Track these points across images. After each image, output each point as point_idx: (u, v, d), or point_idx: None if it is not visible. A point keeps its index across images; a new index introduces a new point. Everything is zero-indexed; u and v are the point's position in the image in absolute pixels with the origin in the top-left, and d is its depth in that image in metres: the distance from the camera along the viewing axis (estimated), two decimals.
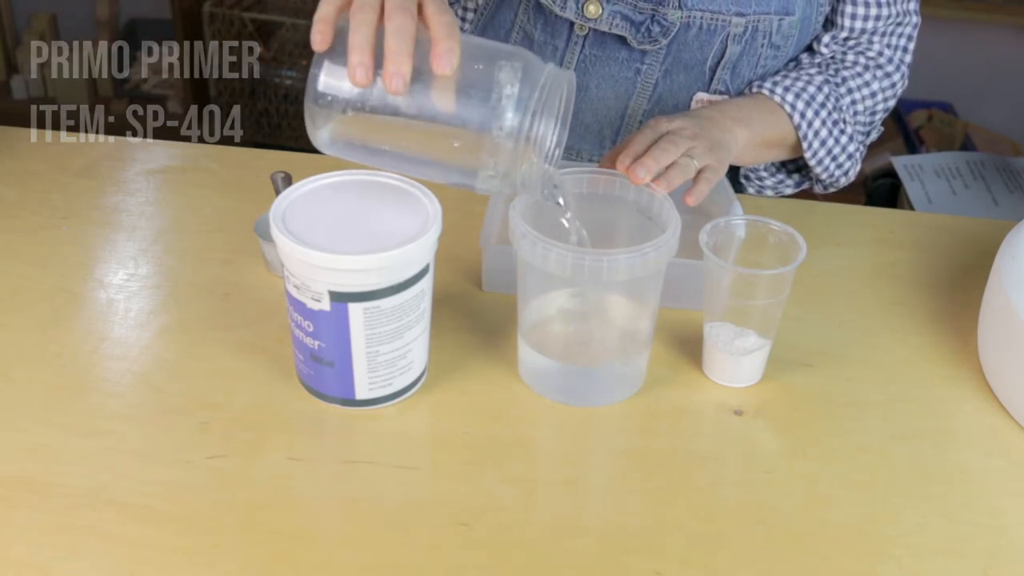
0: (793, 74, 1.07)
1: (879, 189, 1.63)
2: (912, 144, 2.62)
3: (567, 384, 0.88)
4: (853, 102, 1.10)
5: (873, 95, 1.11)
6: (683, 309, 0.95)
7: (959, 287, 1.03)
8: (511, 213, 0.82)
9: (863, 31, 1.11)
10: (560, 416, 0.86)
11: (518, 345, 0.89)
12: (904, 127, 2.66)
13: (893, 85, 1.13)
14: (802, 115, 1.04)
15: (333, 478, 0.80)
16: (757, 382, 0.90)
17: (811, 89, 1.05)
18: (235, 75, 2.68)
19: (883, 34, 1.12)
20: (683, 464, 0.82)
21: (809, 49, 1.15)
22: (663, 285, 0.85)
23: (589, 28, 1.08)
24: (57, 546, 0.73)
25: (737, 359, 0.88)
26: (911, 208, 1.46)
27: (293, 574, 0.72)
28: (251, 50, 2.65)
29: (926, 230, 1.12)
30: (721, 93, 1.11)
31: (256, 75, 2.68)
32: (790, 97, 1.04)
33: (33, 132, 1.20)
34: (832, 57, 1.12)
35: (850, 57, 1.12)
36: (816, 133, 1.05)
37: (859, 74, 1.11)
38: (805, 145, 1.07)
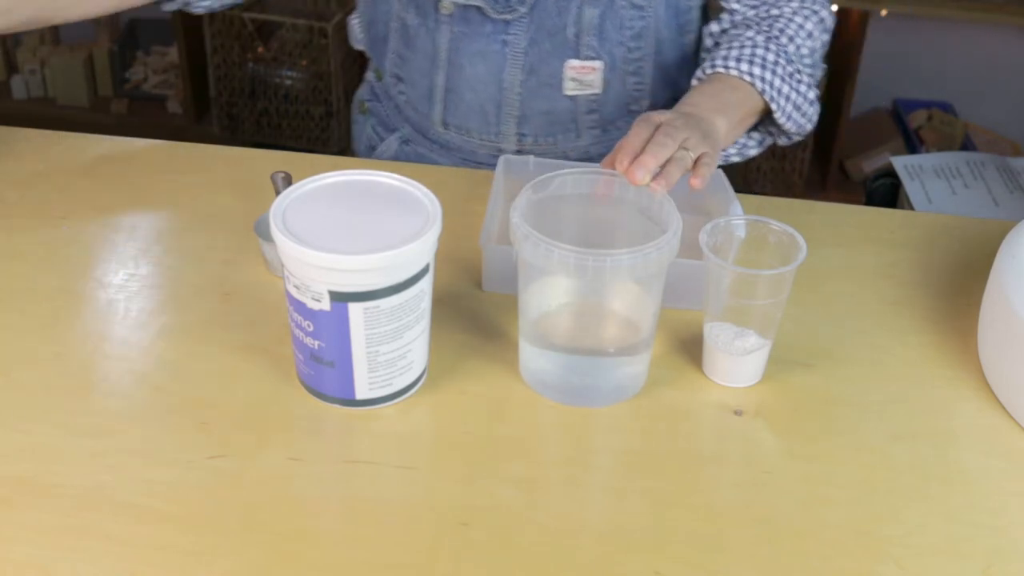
0: (736, 44, 1.07)
1: (879, 189, 1.63)
2: (912, 144, 2.62)
3: (568, 383, 0.88)
4: (798, 48, 1.10)
5: (810, 35, 1.11)
6: (683, 309, 0.95)
7: (959, 287, 1.03)
8: (512, 213, 0.82)
9: None
10: (560, 416, 0.86)
11: (518, 345, 0.89)
12: (904, 127, 2.66)
13: (822, 21, 1.13)
14: (763, 79, 1.05)
15: (333, 478, 0.80)
16: (757, 382, 0.90)
17: (760, 52, 1.06)
18: (235, 75, 2.69)
19: None
20: (683, 464, 0.82)
21: (724, 12, 1.15)
22: (664, 285, 0.85)
23: (453, 5, 1.11)
24: (57, 546, 0.73)
25: (737, 359, 0.88)
26: (911, 208, 1.46)
27: (293, 574, 0.72)
28: (251, 50, 2.66)
29: (926, 230, 1.12)
30: (591, 59, 1.12)
31: (256, 75, 2.68)
32: (745, 67, 1.04)
33: (33, 132, 1.20)
34: (757, 14, 1.12)
35: (774, 11, 1.12)
36: (780, 91, 1.06)
37: (790, 20, 1.11)
38: (775, 107, 1.07)
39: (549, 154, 1.20)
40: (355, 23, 1.29)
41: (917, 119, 2.66)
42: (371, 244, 0.77)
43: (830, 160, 2.65)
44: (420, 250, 0.79)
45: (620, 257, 0.78)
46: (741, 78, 1.05)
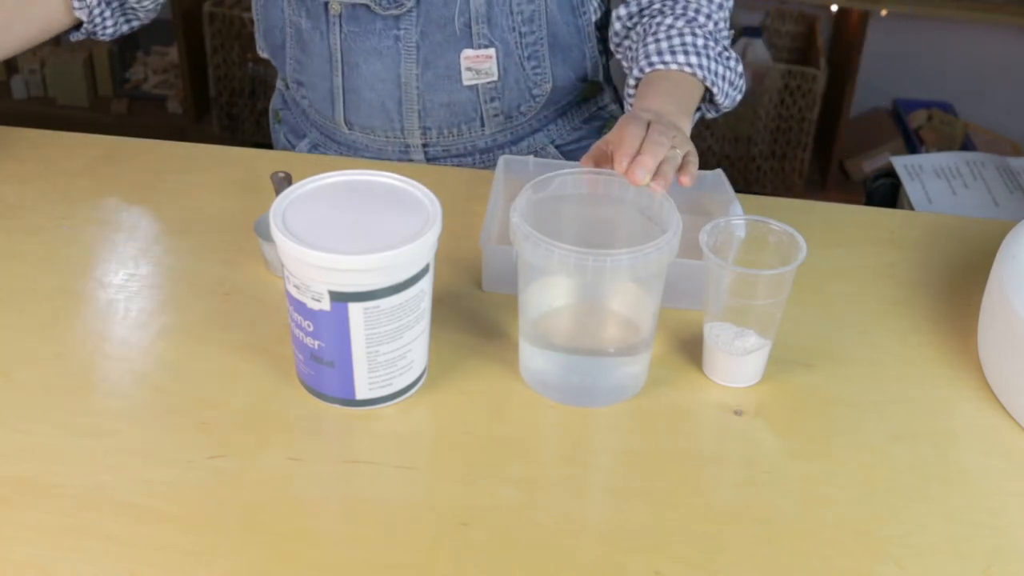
0: (662, 34, 1.07)
1: (879, 189, 1.63)
2: (912, 144, 2.62)
3: (568, 383, 0.88)
4: (716, 24, 1.10)
5: (720, 7, 1.12)
6: (683, 309, 0.95)
7: (959, 287, 1.03)
8: (512, 213, 0.82)
9: None
10: (560, 416, 0.86)
11: (518, 345, 0.89)
12: (904, 127, 2.67)
13: None
14: (701, 67, 1.05)
15: (333, 478, 0.80)
16: (757, 382, 0.90)
17: (689, 39, 1.06)
18: (235, 75, 2.69)
19: None
20: (683, 464, 0.82)
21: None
22: (663, 285, 0.85)
23: (341, 5, 1.11)
24: (57, 546, 0.73)
25: (737, 359, 0.88)
26: (911, 208, 1.46)
27: (293, 574, 0.72)
28: (251, 50, 2.65)
29: (926, 230, 1.12)
30: (485, 47, 1.13)
31: (256, 75, 2.68)
32: (682, 58, 1.04)
33: (33, 132, 1.20)
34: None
35: None
36: (717, 74, 1.06)
37: None
38: (716, 91, 1.08)
39: (454, 146, 1.21)
40: (256, 31, 1.28)
41: (917, 119, 2.66)
42: (371, 244, 0.77)
43: (830, 160, 2.65)
44: (420, 250, 0.79)
45: (620, 257, 0.78)
46: (682, 71, 1.05)
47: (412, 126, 1.18)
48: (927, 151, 2.56)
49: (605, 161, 0.91)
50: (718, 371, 0.89)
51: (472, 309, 0.97)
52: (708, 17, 1.10)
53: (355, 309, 0.79)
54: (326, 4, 1.12)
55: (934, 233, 1.11)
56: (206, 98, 2.77)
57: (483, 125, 1.19)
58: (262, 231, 0.97)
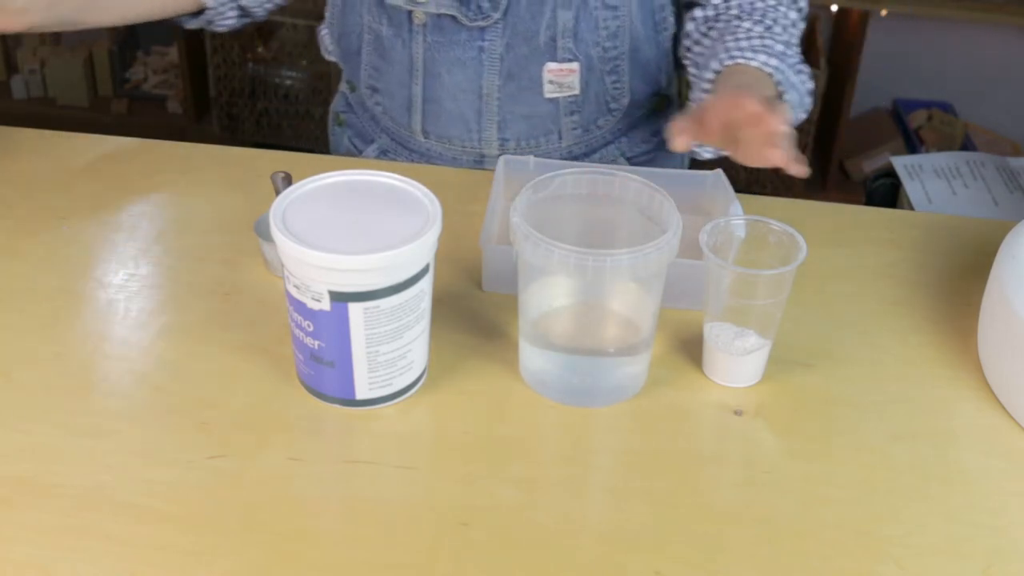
0: (741, 34, 1.06)
1: (879, 189, 1.62)
2: (912, 144, 2.62)
3: (568, 383, 0.88)
4: (791, 36, 1.10)
5: (794, 24, 1.11)
6: (683, 309, 0.95)
7: (959, 287, 1.03)
8: (512, 213, 0.82)
9: None
10: (560, 416, 0.86)
11: (518, 345, 0.89)
12: (904, 127, 2.66)
13: (800, 9, 1.13)
14: (778, 70, 1.03)
15: (333, 478, 0.80)
16: (757, 382, 0.90)
17: (768, 42, 1.05)
18: (235, 75, 2.69)
19: None
20: (683, 464, 0.82)
21: (694, 5, 1.14)
22: (664, 285, 0.85)
23: (426, 15, 1.10)
24: (57, 546, 0.73)
25: (737, 359, 0.88)
26: (911, 208, 1.46)
27: (293, 574, 0.72)
28: (251, 50, 2.66)
29: (926, 230, 1.12)
30: (570, 61, 1.12)
31: (256, 75, 2.68)
32: (763, 57, 1.03)
33: (33, 132, 1.20)
34: (751, 4, 1.11)
35: (759, 4, 1.11)
36: (790, 82, 1.05)
37: (775, 8, 1.10)
38: (787, 99, 1.06)
39: None
40: (325, 34, 1.28)
41: (917, 119, 2.66)
42: (371, 244, 0.77)
43: (830, 160, 2.65)
44: (420, 250, 0.79)
45: (620, 257, 0.78)
46: (761, 68, 1.03)
47: (490, 137, 1.18)
48: (927, 151, 2.56)
49: (704, 126, 0.89)
50: (718, 371, 0.89)
51: (472, 309, 0.96)
52: (784, 29, 1.09)
53: (355, 309, 0.79)
54: (410, 13, 1.12)
55: (934, 233, 1.11)
56: (206, 98, 2.77)
57: (560, 138, 1.19)
58: (262, 231, 0.97)
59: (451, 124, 1.18)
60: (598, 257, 0.78)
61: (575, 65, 1.13)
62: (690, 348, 0.92)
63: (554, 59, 1.13)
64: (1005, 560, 0.76)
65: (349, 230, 0.79)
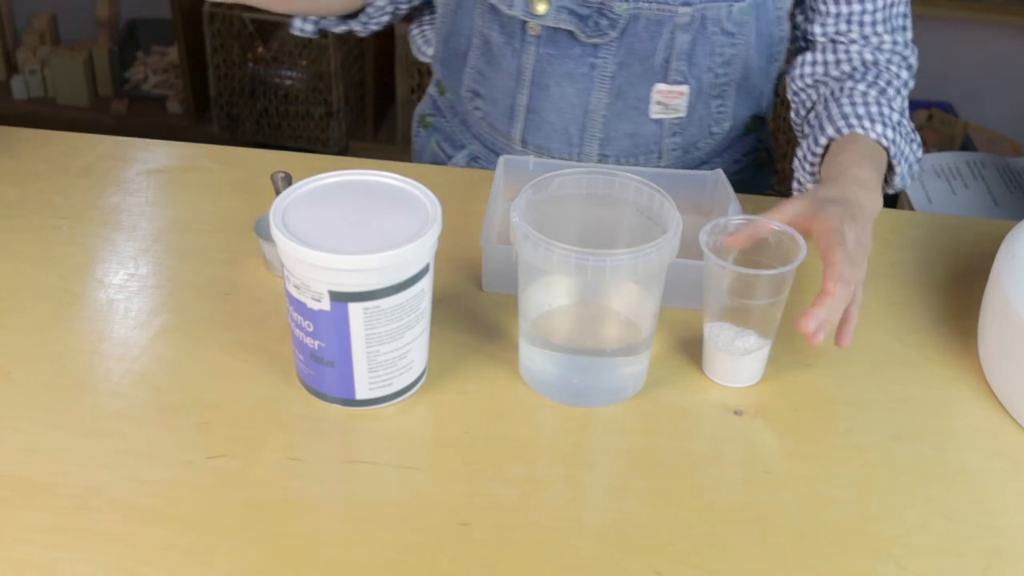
0: (858, 101, 1.05)
1: None
2: None
3: (568, 383, 0.88)
4: (903, 99, 1.09)
5: (906, 85, 1.11)
6: (683, 309, 0.95)
7: (959, 287, 1.03)
8: (512, 213, 0.82)
9: (851, 14, 1.10)
10: (560, 416, 0.86)
11: (518, 345, 0.89)
12: None
13: (911, 67, 1.13)
14: (894, 143, 1.03)
15: (333, 478, 0.80)
16: (757, 382, 0.90)
17: (885, 111, 1.04)
18: (235, 75, 2.69)
19: (884, 21, 1.11)
20: (683, 464, 0.82)
21: (804, 41, 1.15)
22: (664, 285, 0.85)
23: (541, 27, 1.09)
24: (57, 546, 0.73)
25: (737, 359, 0.88)
26: (911, 208, 1.46)
27: (293, 574, 0.72)
28: (251, 50, 2.66)
29: (926, 230, 1.12)
30: (679, 83, 1.12)
31: (256, 75, 2.68)
32: (880, 128, 1.02)
33: (33, 132, 1.20)
34: (863, 63, 1.10)
35: (869, 56, 1.11)
36: (903, 155, 1.05)
37: (887, 68, 1.10)
38: (898, 172, 1.06)
39: None
40: (417, 33, 1.27)
41: (917, 119, 2.66)
42: (371, 244, 0.77)
43: None
44: (420, 250, 0.79)
45: (620, 257, 0.78)
46: (879, 142, 1.02)
47: (591, 152, 1.17)
48: (927, 151, 2.56)
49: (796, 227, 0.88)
50: (718, 371, 0.89)
51: (472, 309, 0.97)
52: (898, 92, 1.08)
53: (355, 309, 0.79)
54: (524, 23, 1.10)
55: (934, 233, 1.11)
56: (206, 98, 2.77)
57: (660, 157, 1.18)
58: (262, 231, 0.97)
59: (553, 136, 1.17)
60: (598, 257, 0.78)
61: (685, 88, 1.12)
62: (690, 348, 0.92)
63: (664, 80, 1.11)
64: (1005, 560, 0.76)
65: (349, 230, 0.79)
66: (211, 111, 2.76)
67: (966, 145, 2.58)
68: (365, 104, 2.75)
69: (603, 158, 1.18)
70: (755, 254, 0.88)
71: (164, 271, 1.00)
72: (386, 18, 1.20)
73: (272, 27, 2.68)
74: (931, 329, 0.98)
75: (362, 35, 1.22)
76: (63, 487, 0.78)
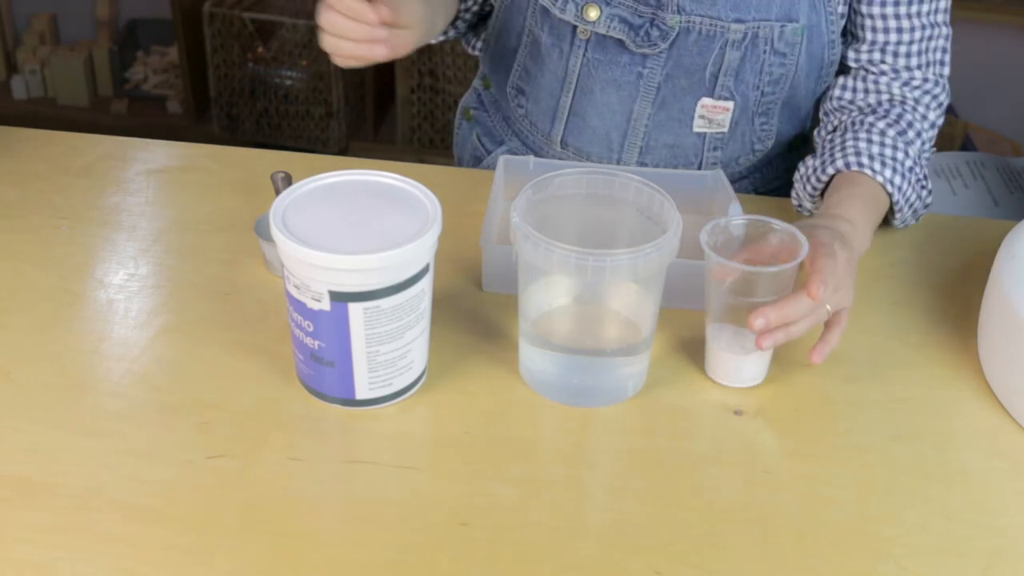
0: (875, 139, 1.05)
1: None
2: None
3: (568, 383, 0.88)
4: (923, 142, 1.09)
5: (932, 126, 1.10)
6: (683, 309, 0.95)
7: (959, 287, 1.03)
8: (512, 213, 0.82)
9: (886, 44, 1.10)
10: (560, 416, 0.86)
11: (518, 345, 0.89)
12: None
13: (940, 105, 1.12)
14: (899, 189, 1.03)
15: (333, 478, 0.80)
16: (760, 383, 0.90)
17: (900, 155, 1.04)
18: (235, 75, 2.69)
19: (918, 53, 1.10)
20: (683, 464, 0.82)
21: (841, 64, 1.14)
22: (664, 285, 0.85)
23: (591, 32, 1.09)
24: (57, 546, 0.73)
25: (741, 359, 0.88)
26: None
27: (293, 574, 0.72)
28: (251, 50, 2.66)
29: (926, 230, 1.12)
30: (725, 99, 1.11)
31: (256, 75, 2.68)
32: (888, 173, 1.02)
33: (33, 132, 1.20)
34: (890, 99, 1.10)
35: (897, 92, 1.10)
36: (907, 200, 1.05)
37: (915, 108, 1.09)
38: (897, 216, 1.06)
39: None
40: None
41: None
42: (371, 244, 0.77)
43: None
44: (420, 250, 0.79)
45: (620, 257, 0.78)
46: (884, 187, 1.02)
47: (630, 159, 1.17)
48: None
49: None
50: (721, 371, 0.89)
51: (472, 309, 0.96)
52: (918, 135, 1.08)
53: (355, 309, 0.79)
54: (574, 27, 1.10)
55: (934, 233, 1.11)
56: (206, 98, 2.77)
57: (699, 169, 1.17)
58: (262, 231, 0.97)
59: (593, 140, 1.17)
60: (598, 257, 0.78)
61: (730, 104, 1.12)
62: (690, 348, 0.92)
63: (711, 95, 1.11)
64: (1005, 560, 0.76)
65: (349, 230, 0.79)
66: (211, 111, 2.76)
67: (966, 145, 2.58)
68: (365, 104, 2.75)
69: (641, 166, 1.17)
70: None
71: (164, 271, 1.00)
72: (470, 13, 1.21)
73: (272, 27, 2.68)
74: (931, 329, 0.98)
75: (470, 53, 1.24)
76: (63, 487, 0.78)
